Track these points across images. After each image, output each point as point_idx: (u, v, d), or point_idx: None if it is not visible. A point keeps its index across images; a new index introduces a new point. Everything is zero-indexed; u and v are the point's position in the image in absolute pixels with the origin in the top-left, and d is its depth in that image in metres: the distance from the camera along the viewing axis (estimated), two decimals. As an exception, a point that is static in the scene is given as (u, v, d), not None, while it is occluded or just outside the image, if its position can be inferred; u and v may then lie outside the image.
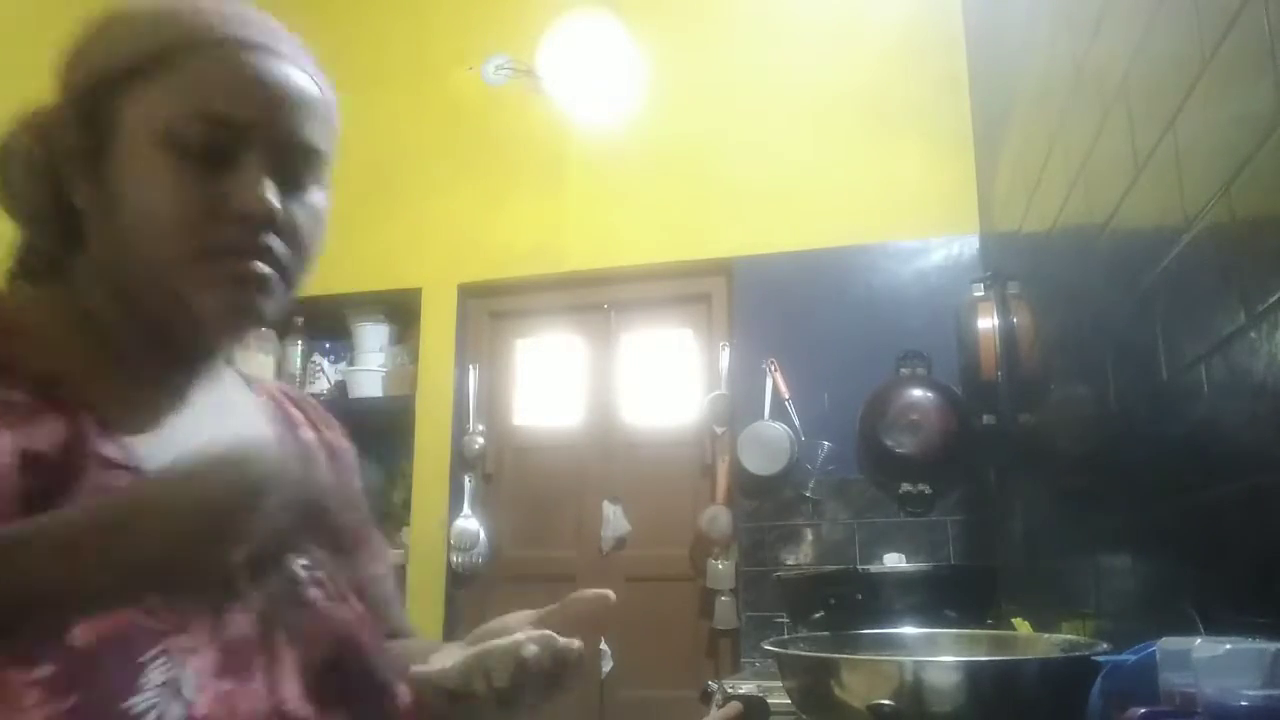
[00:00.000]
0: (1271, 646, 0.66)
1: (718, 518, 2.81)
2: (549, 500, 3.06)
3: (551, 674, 0.66)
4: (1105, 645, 0.91)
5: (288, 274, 0.71)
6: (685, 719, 1.42)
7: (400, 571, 2.97)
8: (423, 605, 2.92)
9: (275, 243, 0.69)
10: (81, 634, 0.55)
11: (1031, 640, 1.24)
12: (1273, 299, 0.79)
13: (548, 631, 0.68)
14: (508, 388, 3.23)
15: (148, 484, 0.60)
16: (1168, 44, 1.05)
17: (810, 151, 2.94)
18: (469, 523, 3.02)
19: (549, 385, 3.21)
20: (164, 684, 0.58)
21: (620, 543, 2.97)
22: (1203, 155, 0.95)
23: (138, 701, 0.56)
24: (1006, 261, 2.23)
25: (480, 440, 3.09)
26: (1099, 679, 0.84)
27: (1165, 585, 1.14)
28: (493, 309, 3.25)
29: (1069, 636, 1.17)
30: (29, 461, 0.58)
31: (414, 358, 3.19)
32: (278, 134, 0.69)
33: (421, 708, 0.74)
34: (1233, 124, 0.88)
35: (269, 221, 0.68)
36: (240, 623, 0.65)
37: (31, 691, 0.52)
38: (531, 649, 0.64)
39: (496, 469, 3.14)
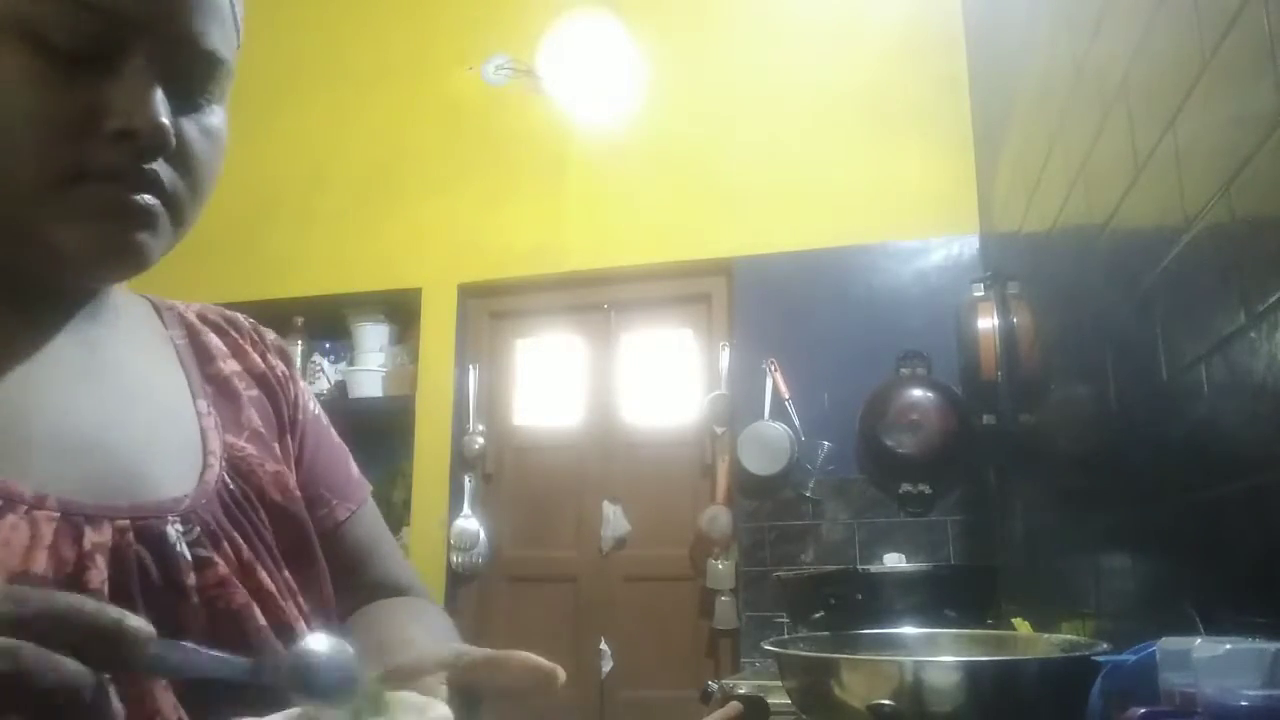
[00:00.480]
0: (1271, 646, 0.66)
1: (718, 518, 2.81)
2: (549, 500, 3.06)
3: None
4: (1105, 645, 0.91)
5: (177, 209, 0.58)
6: (685, 719, 1.42)
7: (400, 571, 2.97)
8: (423, 605, 2.91)
9: (163, 169, 0.56)
10: None
11: (1031, 640, 1.24)
12: (1273, 299, 0.79)
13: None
14: (508, 388, 3.23)
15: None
16: (1168, 44, 1.05)
17: (810, 151, 2.94)
18: (469, 523, 3.02)
19: (549, 385, 3.22)
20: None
21: (620, 543, 2.97)
22: (1203, 155, 0.95)
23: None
24: (1006, 261, 2.23)
25: (480, 440, 3.09)
26: (1099, 679, 0.84)
27: (1165, 585, 1.14)
28: (493, 309, 3.25)
29: (1069, 636, 1.17)
30: None
31: (414, 358, 3.19)
32: (170, 31, 0.55)
33: None
34: (1233, 124, 0.88)
35: (157, 141, 0.55)
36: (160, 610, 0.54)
37: None
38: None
39: (496, 469, 3.14)
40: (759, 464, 2.75)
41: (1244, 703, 0.63)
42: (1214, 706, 0.65)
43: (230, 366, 0.72)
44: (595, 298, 3.15)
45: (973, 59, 2.78)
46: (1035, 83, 1.84)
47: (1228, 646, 0.67)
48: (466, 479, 3.07)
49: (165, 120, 0.54)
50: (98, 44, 0.53)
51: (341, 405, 3.14)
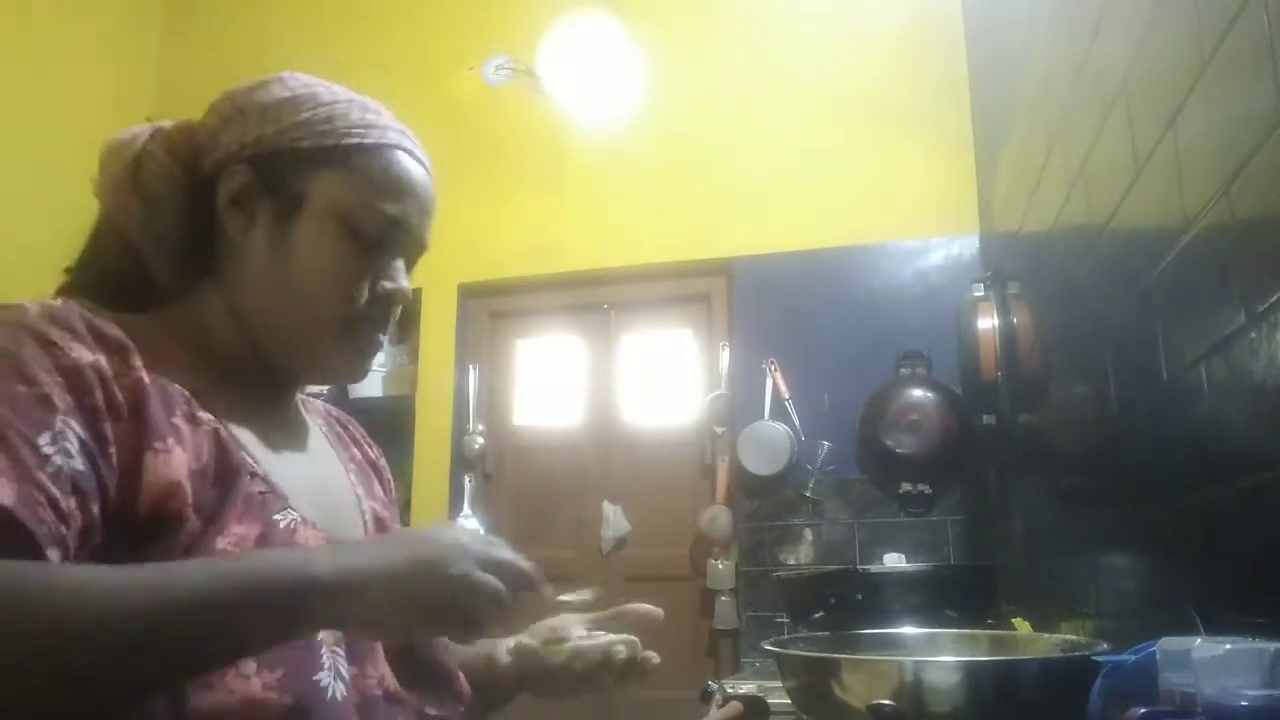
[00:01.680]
0: (1271, 646, 0.66)
1: (718, 518, 2.81)
2: (549, 500, 3.06)
3: (625, 675, 0.83)
4: (1105, 645, 0.91)
5: (388, 339, 0.87)
6: (685, 719, 1.42)
7: (400, 571, 2.97)
8: (423, 605, 2.92)
9: (393, 316, 0.84)
10: None
11: (1031, 640, 1.24)
12: (1273, 299, 0.79)
13: (634, 638, 0.87)
14: (508, 388, 3.23)
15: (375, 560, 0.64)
16: (1168, 44, 1.05)
17: (811, 152, 2.94)
18: (469, 523, 3.02)
19: (549, 385, 3.22)
20: (331, 665, 0.69)
21: (620, 543, 2.97)
22: (1203, 155, 0.95)
23: (322, 677, 0.68)
24: (1006, 261, 2.23)
25: (480, 440, 3.09)
26: (1099, 679, 0.84)
27: (1165, 585, 1.14)
28: (493, 309, 3.25)
29: (1069, 636, 1.17)
30: (194, 477, 0.66)
31: (414, 358, 3.19)
32: (418, 233, 0.84)
33: (485, 690, 0.89)
34: (1233, 124, 0.88)
35: (404, 304, 0.84)
36: None
37: (249, 663, 0.63)
38: (621, 651, 0.83)
39: (496, 469, 3.14)
40: (759, 464, 2.75)
41: (1244, 703, 0.63)
42: (1214, 706, 0.65)
43: (355, 453, 0.95)
44: (595, 298, 3.15)
45: (973, 59, 2.78)
46: (1035, 83, 1.84)
47: (1228, 646, 0.67)
48: (466, 479, 3.07)
49: (409, 289, 0.84)
50: (383, 237, 0.80)
51: (342, 405, 3.13)
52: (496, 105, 3.25)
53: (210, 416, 0.71)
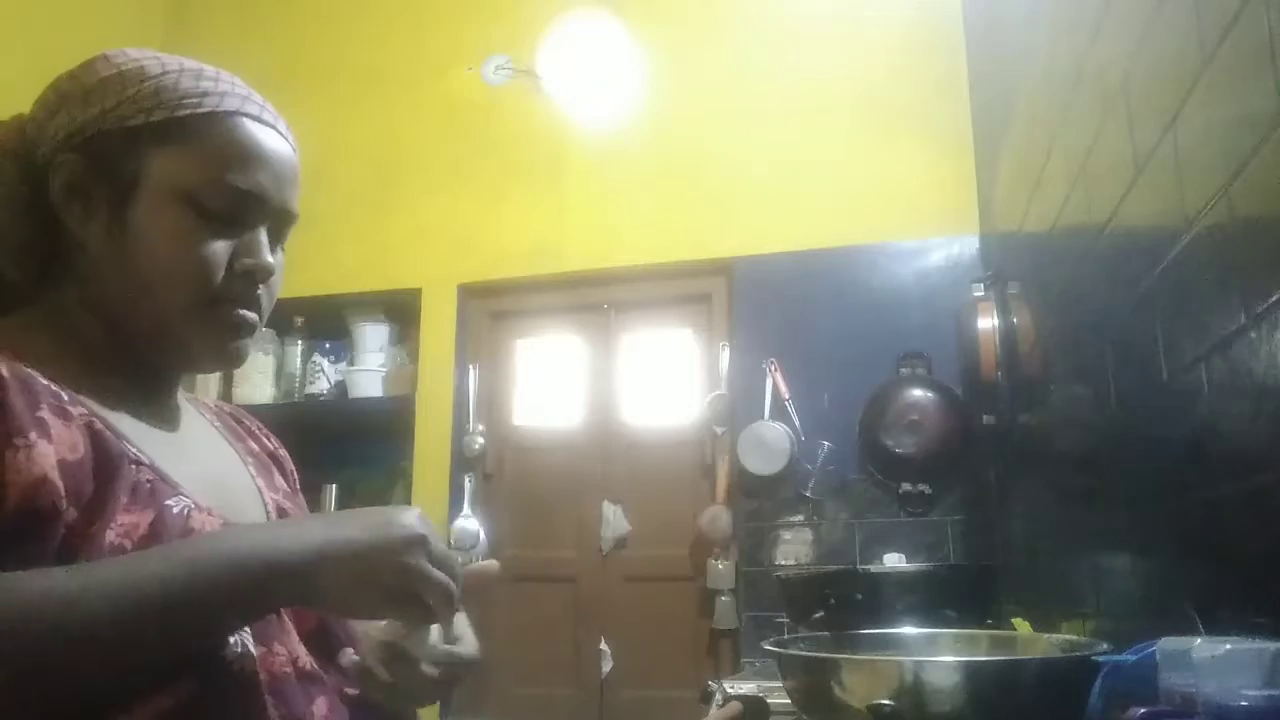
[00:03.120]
0: (1271, 646, 0.66)
1: (718, 518, 2.81)
2: (549, 500, 3.06)
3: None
4: (1105, 645, 0.91)
5: (263, 318, 0.82)
6: (685, 719, 1.42)
7: (400, 571, 2.97)
8: (423, 605, 2.91)
9: (263, 293, 0.80)
10: None
11: (1031, 640, 1.24)
12: (1273, 299, 0.79)
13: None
14: (508, 388, 3.23)
15: (319, 537, 0.66)
16: (1168, 44, 1.05)
17: (810, 151, 2.94)
18: (469, 523, 3.02)
19: (549, 385, 3.22)
20: (237, 641, 0.69)
21: (620, 543, 2.97)
22: (1203, 155, 0.95)
23: (230, 649, 0.68)
24: (1006, 261, 2.23)
25: (480, 440, 3.09)
26: (1099, 679, 0.84)
27: (1165, 585, 1.14)
28: (493, 309, 3.25)
29: (1069, 636, 1.17)
30: (66, 469, 0.65)
31: (414, 358, 3.19)
32: (277, 203, 0.80)
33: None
34: (1233, 124, 0.88)
35: (269, 275, 0.80)
36: None
37: None
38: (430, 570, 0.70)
39: (496, 469, 3.14)
40: (759, 464, 2.74)
41: (1244, 703, 0.63)
42: (1214, 706, 0.65)
43: (252, 445, 0.93)
44: (595, 298, 3.14)
45: (973, 59, 2.78)
46: (1035, 83, 1.84)
47: (1228, 646, 0.67)
48: (466, 479, 3.07)
49: (273, 262, 0.80)
50: (235, 211, 0.77)
51: (342, 405, 3.14)
52: (496, 105, 3.25)
53: (83, 410, 0.69)
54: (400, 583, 0.66)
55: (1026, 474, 2.05)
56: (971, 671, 0.87)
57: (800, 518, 2.74)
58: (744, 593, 2.76)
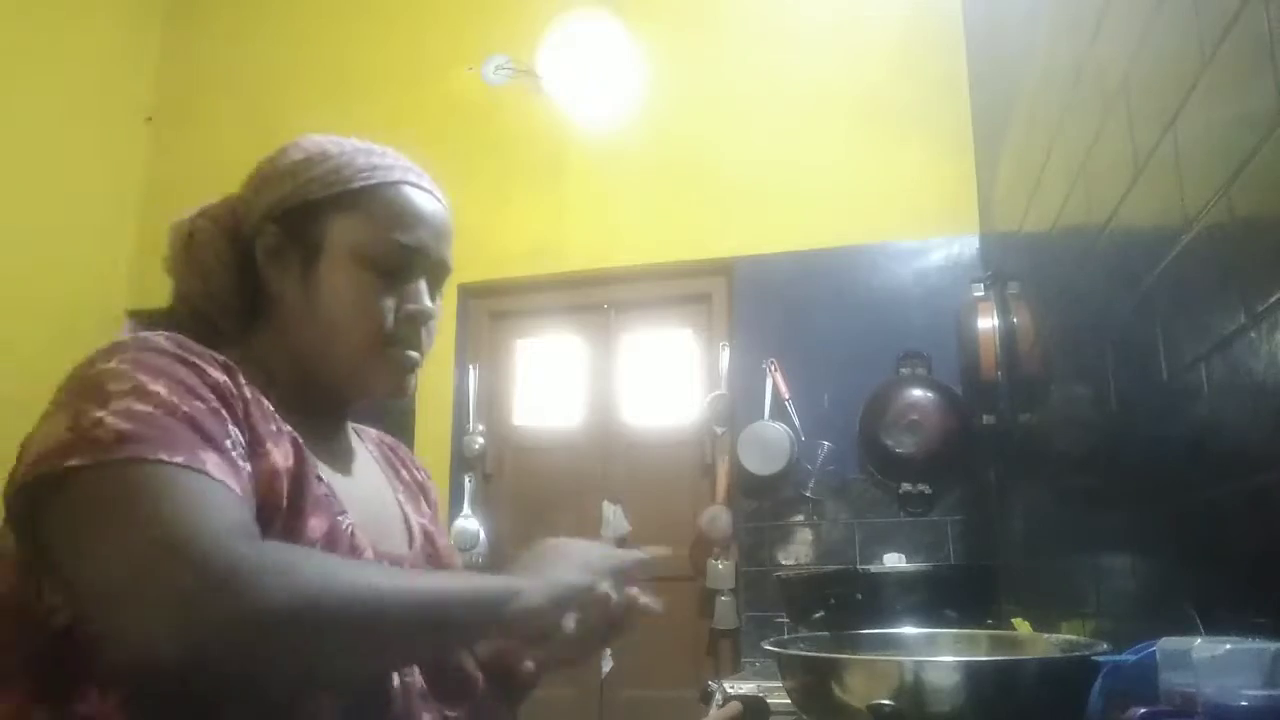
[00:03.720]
0: (1271, 646, 0.66)
1: (718, 518, 2.81)
2: (549, 500, 3.06)
3: (617, 624, 0.89)
4: (1105, 645, 0.91)
5: (424, 356, 0.95)
6: (685, 719, 1.42)
7: (400, 571, 2.97)
8: (423, 605, 2.91)
9: (424, 334, 0.93)
10: None
11: (1031, 640, 1.24)
12: (1273, 299, 0.79)
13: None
14: (508, 388, 3.23)
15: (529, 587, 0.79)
16: (1168, 44, 1.05)
17: (810, 151, 2.94)
18: (469, 523, 3.02)
19: (549, 385, 3.22)
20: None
21: (620, 543, 2.96)
22: (1203, 155, 0.95)
23: (393, 676, 0.80)
24: (1006, 261, 2.23)
25: (480, 440, 3.09)
26: (1099, 679, 0.84)
27: (1165, 585, 1.14)
28: (493, 309, 3.25)
29: (1069, 636, 1.17)
30: (288, 473, 0.78)
31: (414, 358, 3.18)
32: (436, 257, 0.93)
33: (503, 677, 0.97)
34: (1233, 124, 0.88)
35: (430, 317, 0.93)
36: None
37: None
38: (613, 596, 0.87)
39: (496, 469, 3.14)
40: (759, 464, 2.75)
41: (1244, 703, 0.63)
42: (1214, 706, 0.65)
43: (404, 474, 1.05)
44: (595, 298, 3.15)
45: (973, 59, 2.78)
46: (1035, 83, 1.84)
47: (1228, 646, 0.67)
48: (466, 479, 3.07)
49: (432, 307, 0.93)
50: (401, 265, 0.90)
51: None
52: (496, 105, 3.25)
53: (289, 427, 0.82)
54: (601, 616, 0.85)
55: (1026, 474, 2.05)
56: (971, 671, 0.87)
57: (800, 518, 2.74)
58: (744, 593, 2.76)
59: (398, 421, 3.07)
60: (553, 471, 3.09)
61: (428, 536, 0.98)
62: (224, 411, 0.74)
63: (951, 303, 2.41)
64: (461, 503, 3.04)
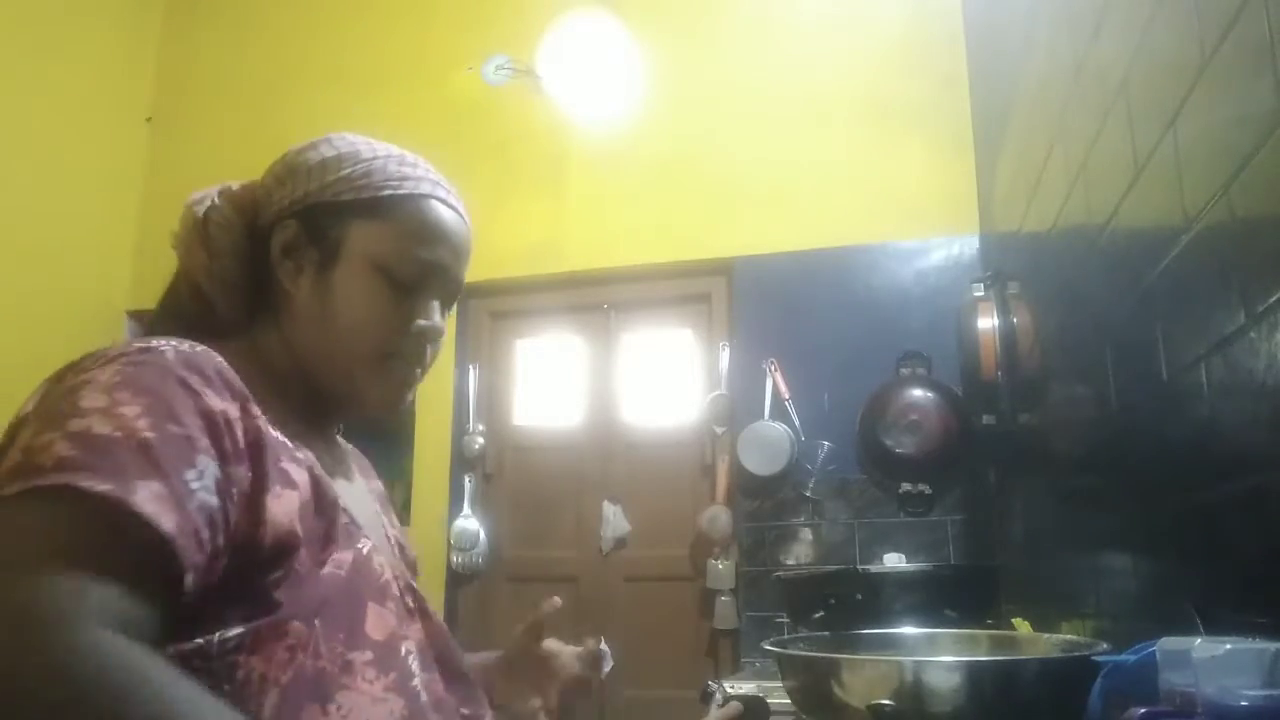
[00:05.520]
0: (1271, 646, 0.66)
1: (718, 518, 2.81)
2: (549, 500, 3.06)
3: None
4: (1105, 645, 0.91)
5: (425, 373, 0.93)
6: (685, 719, 1.42)
7: (400, 571, 2.98)
8: (423, 605, 2.92)
9: (429, 351, 0.91)
10: (374, 632, 0.77)
11: (1031, 640, 1.24)
12: (1273, 299, 0.79)
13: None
14: (508, 388, 3.23)
15: None
16: (1168, 44, 1.05)
17: (810, 151, 2.94)
18: (469, 523, 3.02)
19: (549, 385, 3.22)
20: (418, 669, 0.80)
21: (620, 543, 2.97)
22: (1203, 155, 0.95)
23: (416, 681, 0.79)
24: (1006, 261, 2.23)
25: (480, 440, 3.09)
26: (1099, 679, 0.84)
27: (1165, 585, 1.14)
28: (493, 309, 3.25)
29: (1069, 636, 1.17)
30: (304, 513, 0.75)
31: (414, 358, 3.19)
32: (450, 275, 0.91)
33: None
34: (1233, 124, 0.88)
35: (440, 336, 0.91)
36: (418, 630, 0.84)
37: (369, 669, 0.74)
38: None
39: (496, 469, 3.14)
40: (759, 464, 2.74)
41: (1244, 703, 0.63)
42: (1214, 706, 0.65)
43: (375, 484, 1.03)
44: (595, 298, 3.15)
45: (973, 59, 2.78)
46: (1035, 83, 1.84)
47: (1228, 646, 0.67)
48: (466, 479, 3.07)
49: (443, 326, 0.91)
50: (418, 280, 0.88)
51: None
52: (496, 105, 3.25)
53: (307, 455, 0.79)
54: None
55: (1026, 474, 2.05)
56: (971, 671, 0.87)
57: (800, 518, 2.74)
58: (744, 593, 2.76)
59: (398, 421, 3.08)
60: (553, 471, 3.09)
61: (401, 548, 0.95)
62: (204, 440, 0.69)
63: (951, 303, 2.41)
64: (461, 503, 3.04)
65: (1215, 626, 0.83)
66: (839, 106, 2.94)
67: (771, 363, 2.80)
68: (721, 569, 2.79)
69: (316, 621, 0.72)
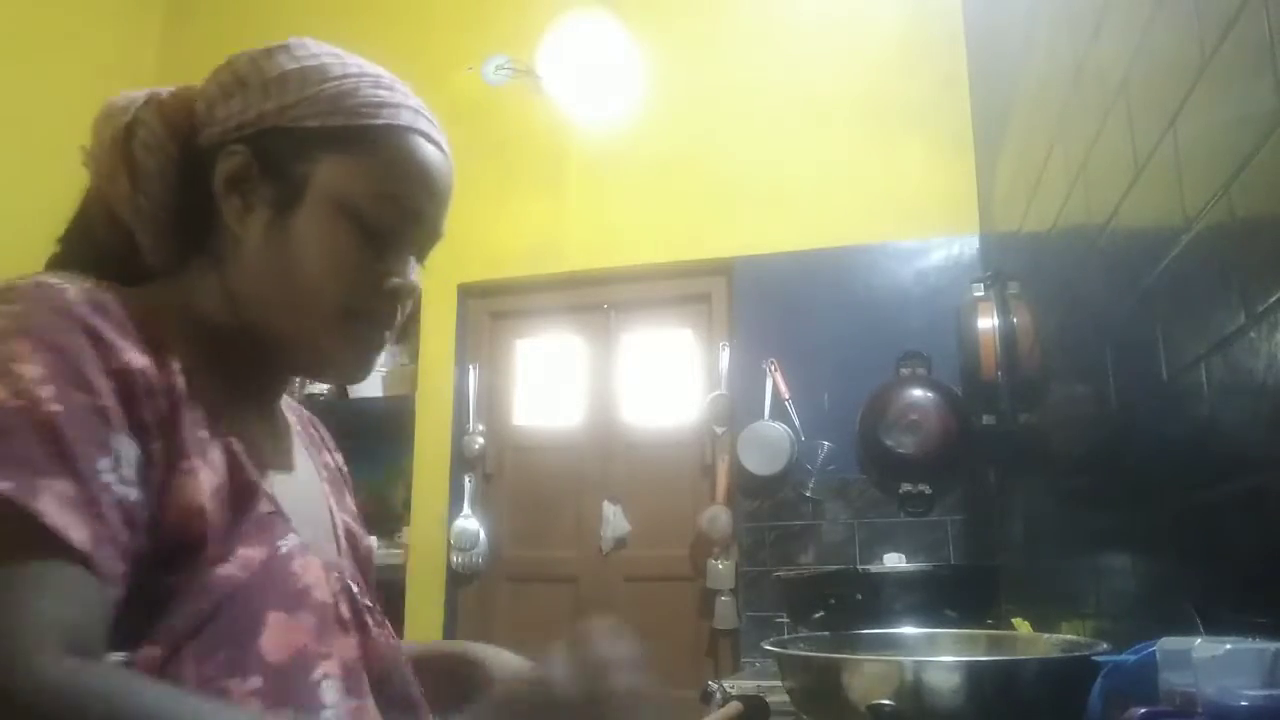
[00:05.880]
0: (1271, 646, 0.66)
1: (718, 518, 2.81)
2: (549, 500, 3.06)
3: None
4: (1105, 645, 0.91)
5: (393, 336, 0.80)
6: (685, 719, 1.42)
7: (400, 571, 2.97)
8: (423, 605, 2.92)
9: (398, 312, 0.78)
10: (272, 652, 0.63)
11: (1031, 640, 1.24)
12: (1273, 299, 0.79)
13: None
14: (508, 388, 3.23)
15: None
16: (1168, 44, 1.05)
17: (810, 151, 2.94)
18: (469, 523, 3.02)
19: (549, 385, 3.21)
20: (335, 700, 0.66)
21: (620, 543, 2.97)
22: (1203, 155, 0.95)
23: (328, 715, 0.65)
24: (1006, 261, 2.23)
25: (480, 440, 3.09)
26: (1099, 679, 0.84)
27: (1165, 585, 1.14)
28: (493, 309, 3.25)
29: (1069, 636, 1.18)
30: (216, 497, 0.63)
31: (414, 358, 3.19)
32: (431, 223, 0.79)
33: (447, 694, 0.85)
34: (1233, 124, 0.88)
35: (413, 297, 0.78)
36: (351, 646, 0.71)
37: (251, 700, 0.60)
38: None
39: (496, 469, 3.14)
40: (759, 464, 2.74)
41: (1244, 703, 0.63)
42: (1214, 706, 0.65)
43: (326, 459, 0.89)
44: (595, 298, 3.14)
45: (973, 59, 2.78)
46: (1035, 83, 1.84)
47: (1228, 646, 0.67)
48: (466, 479, 3.07)
49: (417, 283, 0.78)
50: (394, 229, 0.75)
51: (341, 405, 3.14)
52: (496, 105, 3.25)
53: (221, 429, 0.67)
54: None
55: (1026, 474, 2.05)
56: (971, 671, 0.87)
57: (800, 518, 2.73)
58: (744, 593, 2.76)
59: (398, 421, 3.08)
60: (553, 471, 3.09)
61: (351, 538, 0.82)
62: (119, 410, 0.58)
63: (951, 303, 2.41)
64: (461, 503, 3.04)
65: (1215, 626, 0.83)
66: (839, 106, 2.94)
67: (771, 363, 2.80)
68: (721, 569, 2.79)
69: (188, 645, 0.59)
